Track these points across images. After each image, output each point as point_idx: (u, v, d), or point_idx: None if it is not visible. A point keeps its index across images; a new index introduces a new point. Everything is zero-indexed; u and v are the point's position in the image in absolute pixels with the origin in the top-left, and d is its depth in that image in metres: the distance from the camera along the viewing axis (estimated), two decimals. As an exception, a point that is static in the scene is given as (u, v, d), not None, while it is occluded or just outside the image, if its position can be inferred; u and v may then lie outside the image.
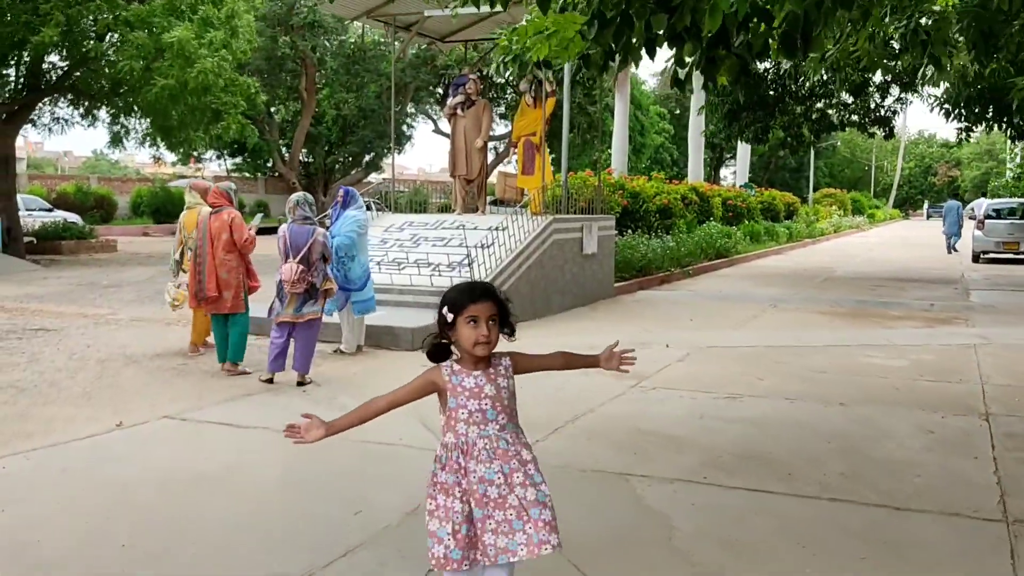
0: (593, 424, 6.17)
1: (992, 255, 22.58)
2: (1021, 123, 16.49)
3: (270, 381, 7.39)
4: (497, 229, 11.89)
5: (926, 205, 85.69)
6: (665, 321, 11.48)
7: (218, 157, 42.19)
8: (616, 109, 23.81)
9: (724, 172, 60.69)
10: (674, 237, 18.92)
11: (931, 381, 7.62)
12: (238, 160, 41.96)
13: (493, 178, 17.53)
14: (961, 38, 7.79)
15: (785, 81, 18.81)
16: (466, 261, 10.78)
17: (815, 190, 52.94)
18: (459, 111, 13.63)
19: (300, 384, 7.36)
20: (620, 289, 14.66)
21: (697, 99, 25.54)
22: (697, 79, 5.85)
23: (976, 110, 15.77)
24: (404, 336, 9.24)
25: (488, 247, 11.19)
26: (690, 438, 5.82)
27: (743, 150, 32.42)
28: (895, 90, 19.89)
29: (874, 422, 6.21)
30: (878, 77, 19.04)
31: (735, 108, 18.37)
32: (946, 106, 16.35)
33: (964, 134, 17.28)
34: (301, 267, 7.29)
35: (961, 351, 9.14)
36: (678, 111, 55.21)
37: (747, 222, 27.24)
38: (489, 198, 14.69)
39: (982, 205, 23.74)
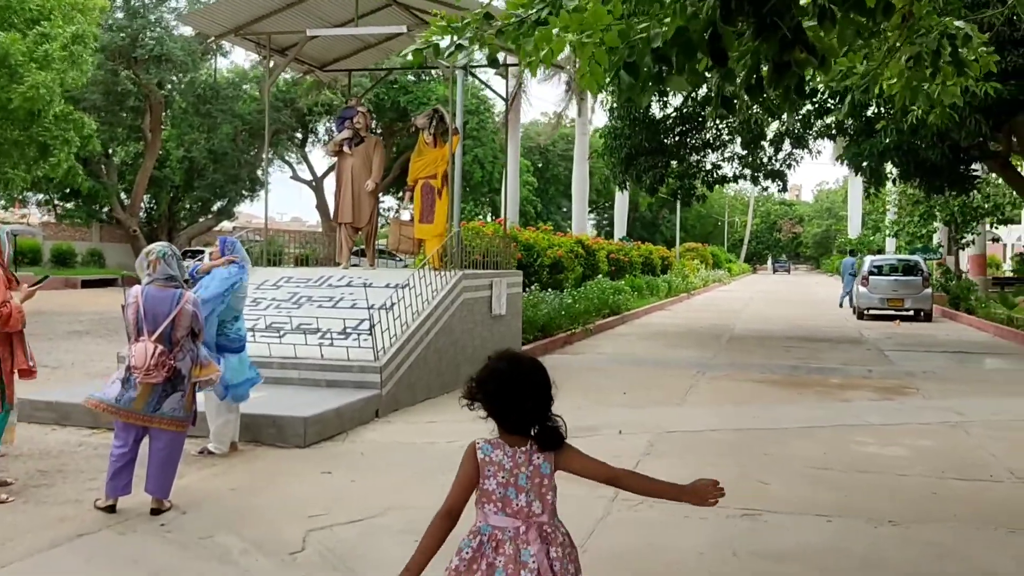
0: None
1: (876, 311, 22.41)
2: (934, 180, 16.15)
3: (110, 509, 5.16)
4: (397, 286, 9.97)
5: (771, 260, 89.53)
6: (595, 395, 9.83)
7: (46, 202, 37.95)
8: (508, 153, 22.35)
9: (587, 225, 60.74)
10: (570, 293, 17.49)
11: (961, 479, 6.25)
12: (70, 205, 37.83)
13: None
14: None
15: (684, 128, 17.94)
16: (365, 326, 8.79)
17: (672, 244, 53.50)
18: (346, 148, 11.68)
19: (155, 512, 5.17)
20: (527, 352, 12.95)
21: (581, 146, 24.65)
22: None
23: (888, 166, 15.20)
24: (294, 429, 7.12)
25: (389, 308, 9.20)
26: (745, 596, 4.10)
27: (621, 202, 31.75)
28: (787, 145, 19.44)
29: (957, 554, 4.69)
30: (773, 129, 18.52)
31: (633, 152, 17.25)
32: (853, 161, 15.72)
33: (872, 188, 16.80)
34: (160, 348, 5.14)
35: (953, 433, 7.91)
36: (540, 164, 54.83)
37: (629, 276, 26.34)
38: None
39: (866, 261, 23.68)
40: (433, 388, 9.45)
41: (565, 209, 50.75)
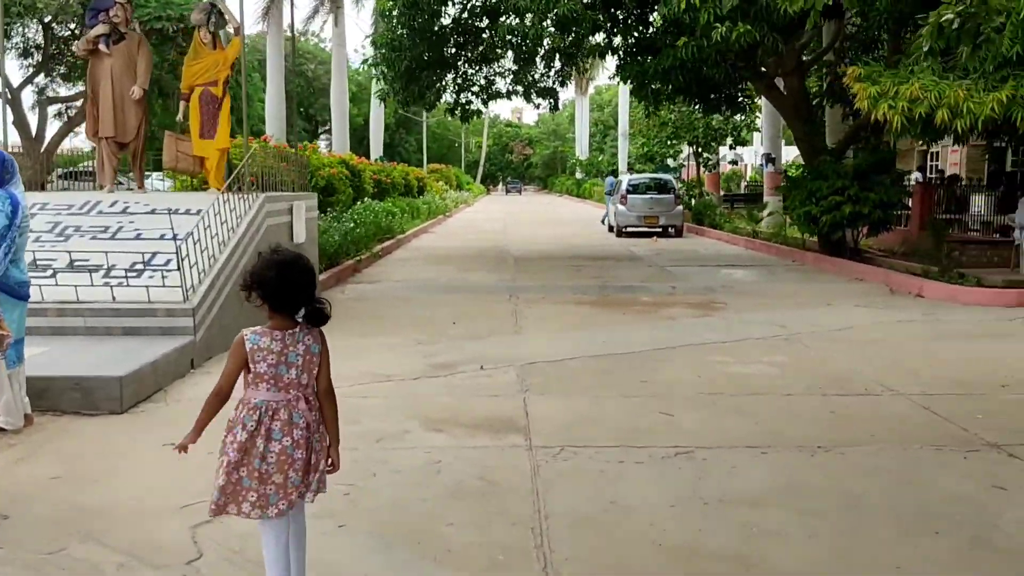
0: (577, 549, 3.71)
1: (634, 228, 23.27)
2: (712, 99, 16.60)
3: None
4: (188, 212, 8.47)
5: (504, 181, 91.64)
6: (428, 328, 9.05)
7: None
8: (269, 62, 19.99)
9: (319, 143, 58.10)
10: (350, 217, 16.31)
11: (843, 395, 6.27)
12: None
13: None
14: None
15: (462, 40, 17.11)
16: (160, 260, 7.31)
17: (411, 164, 52.53)
18: (102, 46, 9.70)
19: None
20: (323, 283, 11.80)
21: (339, 57, 22.88)
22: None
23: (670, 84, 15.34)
24: (107, 391, 5.72)
25: (182, 239, 7.70)
26: (752, 555, 3.64)
27: (377, 119, 30.22)
28: (558, 62, 19.25)
29: (918, 479, 4.56)
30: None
31: (414, 66, 16.17)
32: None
33: (652, 107, 17.02)
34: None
35: (795, 348, 8.06)
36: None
37: (390, 198, 25.33)
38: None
39: (623, 181, 24.42)
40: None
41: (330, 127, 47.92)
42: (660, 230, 23.14)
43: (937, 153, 26.52)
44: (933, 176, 24.65)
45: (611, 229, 24.78)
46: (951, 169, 24.48)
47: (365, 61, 19.02)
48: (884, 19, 12.84)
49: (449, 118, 71.17)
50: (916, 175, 23.69)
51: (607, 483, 4.49)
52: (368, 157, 27.54)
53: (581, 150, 66.90)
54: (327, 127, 56.10)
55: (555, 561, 3.59)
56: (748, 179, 47.64)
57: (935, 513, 4.06)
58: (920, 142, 22.40)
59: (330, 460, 3.11)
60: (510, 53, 18.48)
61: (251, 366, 2.92)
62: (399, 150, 65.65)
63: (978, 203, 19.42)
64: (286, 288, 2.92)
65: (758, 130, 28.38)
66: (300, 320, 2.98)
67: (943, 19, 6.27)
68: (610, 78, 23.77)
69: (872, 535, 3.82)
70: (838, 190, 14.38)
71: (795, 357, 7.61)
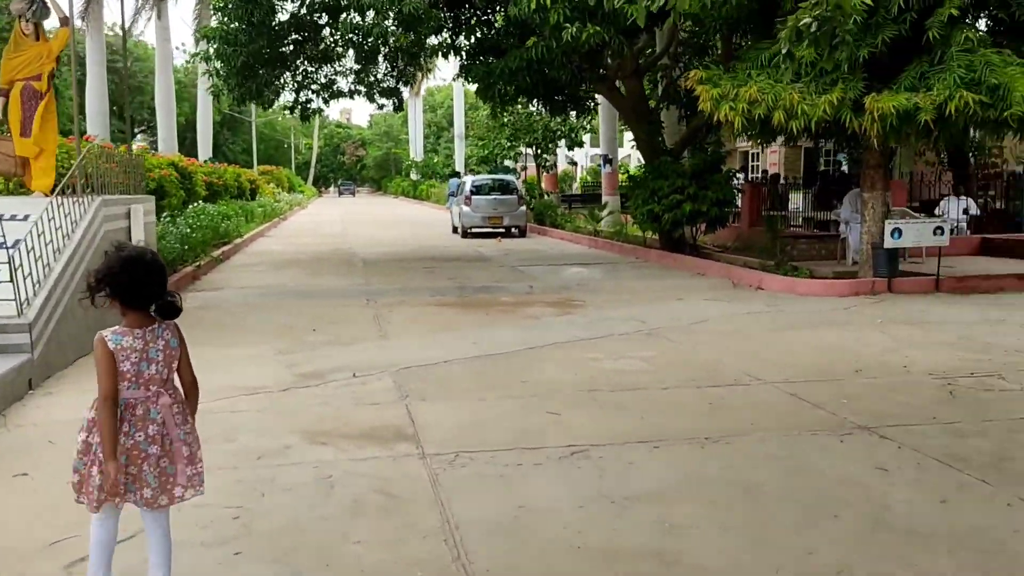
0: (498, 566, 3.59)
1: (479, 229, 23.32)
2: (561, 99, 16.79)
3: None
4: (15, 218, 7.69)
5: (338, 183, 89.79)
6: (287, 337, 8.64)
7: None
8: (89, 56, 18.45)
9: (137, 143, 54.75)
10: (185, 221, 15.40)
11: (716, 386, 6.45)
12: None
13: None
14: None
15: (301, 36, 16.54)
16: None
17: (236, 165, 50.28)
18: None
19: None
20: (164, 293, 11.05)
21: (163, 52, 21.58)
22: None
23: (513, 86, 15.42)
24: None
25: (13, 248, 6.96)
26: (670, 550, 3.64)
27: (204, 116, 28.71)
28: (401, 62, 18.99)
29: (806, 466, 4.72)
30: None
31: (251, 61, 15.45)
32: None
33: (499, 108, 17.05)
34: None
35: (660, 342, 8.25)
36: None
37: (223, 201, 24.19)
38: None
39: (467, 182, 24.41)
40: (85, 343, 7.49)
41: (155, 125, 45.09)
42: (504, 230, 23.31)
43: (757, 154, 28.18)
44: (754, 176, 26.19)
45: (455, 230, 24.75)
46: (771, 169, 26.07)
47: (196, 55, 17.98)
48: (719, 25, 13.44)
49: (281, 117, 68.87)
50: (739, 175, 25.10)
51: (511, 487, 4.38)
52: (196, 158, 26.17)
53: (415, 152, 66.51)
54: (143, 127, 53.08)
55: (477, 573, 3.45)
56: (580, 179, 48.98)
57: (830, 497, 4.21)
58: (744, 143, 23.74)
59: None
60: (351, 51, 18.07)
61: (116, 365, 2.93)
62: (224, 151, 62.93)
63: (796, 200, 20.78)
64: (137, 283, 2.92)
65: (594, 132, 29.17)
66: (154, 315, 3.01)
67: (801, 23, 6.58)
68: (454, 78, 23.72)
69: (778, 522, 3.91)
70: (678, 189, 14.94)
71: (662, 351, 7.78)
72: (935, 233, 11.26)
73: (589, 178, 43.60)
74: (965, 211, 15.34)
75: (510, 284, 12.80)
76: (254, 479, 4.49)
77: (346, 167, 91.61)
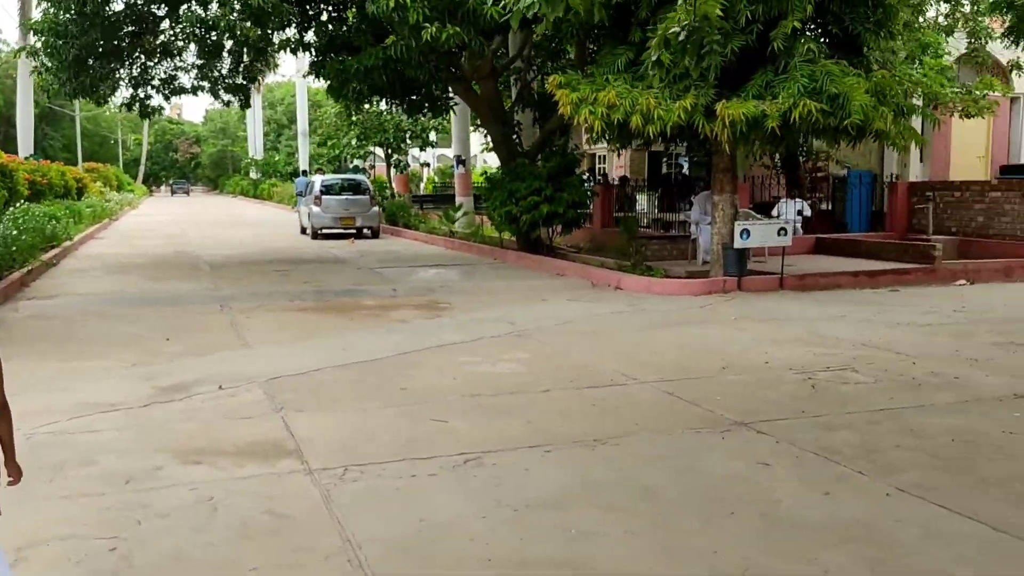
0: None
1: (329, 230, 22.75)
2: (415, 100, 16.56)
3: None
4: None
5: (171, 182, 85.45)
6: (137, 347, 8.09)
7: None
8: None
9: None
10: (11, 222, 14.16)
11: (595, 387, 6.52)
12: None
13: None
14: None
15: (138, 29, 15.59)
16: None
17: (56, 162, 46.81)
18: None
19: None
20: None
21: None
22: None
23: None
24: None
25: None
26: (581, 558, 3.61)
27: (24, 110, 26.52)
28: (247, 57, 18.27)
29: (694, 465, 4.82)
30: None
31: (83, 55, 14.39)
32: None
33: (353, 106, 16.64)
34: None
35: (533, 344, 8.27)
36: None
37: (47, 200, 22.47)
38: None
39: (316, 182, 23.73)
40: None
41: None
42: (356, 231, 22.86)
43: (604, 156, 28.94)
44: (599, 177, 26.86)
45: (304, 231, 24.06)
46: (617, 172, 26.83)
47: (22, 49, 16.65)
48: (574, 31, 13.67)
49: (107, 112, 64.75)
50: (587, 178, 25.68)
51: (408, 501, 4.24)
52: (16, 155, 24.15)
53: (255, 150, 64.19)
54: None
55: (388, 595, 3.30)
56: (428, 180, 48.75)
57: (722, 495, 4.32)
58: (592, 146, 24.33)
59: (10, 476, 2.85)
60: (193, 46, 17.22)
61: None
62: (43, 146, 58.57)
63: (642, 202, 21.50)
64: None
65: (445, 132, 29.09)
66: None
67: (669, 32, 6.76)
68: (304, 75, 23.00)
69: (679, 524, 3.97)
70: (536, 191, 15.10)
71: (535, 353, 7.81)
72: (779, 234, 11.89)
73: (436, 179, 43.37)
74: (799, 212, 16.29)
75: (371, 287, 12.53)
76: (126, 505, 4.14)
77: (179, 165, 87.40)
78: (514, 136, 17.11)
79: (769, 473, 4.61)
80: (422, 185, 44.89)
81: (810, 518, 4.00)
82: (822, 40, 11.31)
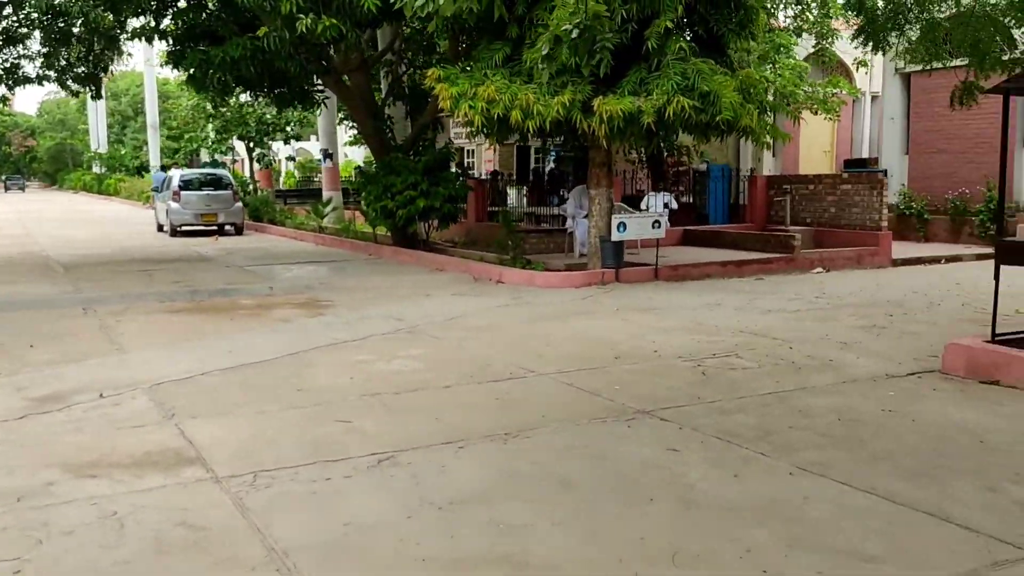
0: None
1: (190, 227, 21.80)
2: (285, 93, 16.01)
3: None
4: None
5: (4, 177, 79.67)
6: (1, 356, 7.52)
7: None
8: None
9: None
10: None
11: (496, 381, 6.55)
12: None
13: None
14: None
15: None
16: None
17: None
18: None
19: None
20: None
21: None
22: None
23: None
24: None
25: None
26: (515, 552, 3.63)
27: None
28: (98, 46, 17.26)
29: (607, 454, 4.92)
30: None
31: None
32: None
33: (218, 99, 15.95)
34: None
35: (422, 340, 8.22)
36: None
37: None
38: None
39: (175, 177, 22.65)
40: None
41: None
42: (219, 228, 22.01)
43: (473, 151, 29.05)
44: (470, 171, 26.96)
45: (161, 228, 22.98)
46: (486, 166, 26.99)
47: None
48: (448, 25, 13.62)
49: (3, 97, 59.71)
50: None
51: (328, 504, 4.13)
52: None
53: (98, 143, 60.58)
54: None
55: (326, 603, 3.21)
56: (286, 174, 47.42)
57: (639, 481, 4.43)
58: (462, 140, 24.36)
59: None
60: (38, 33, 16.12)
61: None
62: None
63: (513, 196, 21.73)
64: None
65: (310, 125, 28.40)
66: None
67: (561, 29, 6.83)
68: (161, 64, 21.91)
69: (603, 512, 4.04)
70: (412, 185, 14.99)
71: (430, 349, 7.76)
72: (653, 227, 12.29)
73: (297, 174, 42.22)
74: (666, 205, 16.86)
75: (246, 285, 12.11)
76: (23, 524, 3.86)
77: (13, 159, 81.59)
78: (386, 130, 16.91)
79: (679, 458, 4.77)
80: (281, 179, 43.71)
81: (725, 499, 4.17)
82: (690, 40, 11.73)
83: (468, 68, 12.24)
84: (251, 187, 25.91)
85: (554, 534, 3.80)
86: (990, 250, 15.33)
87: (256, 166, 29.17)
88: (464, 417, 5.59)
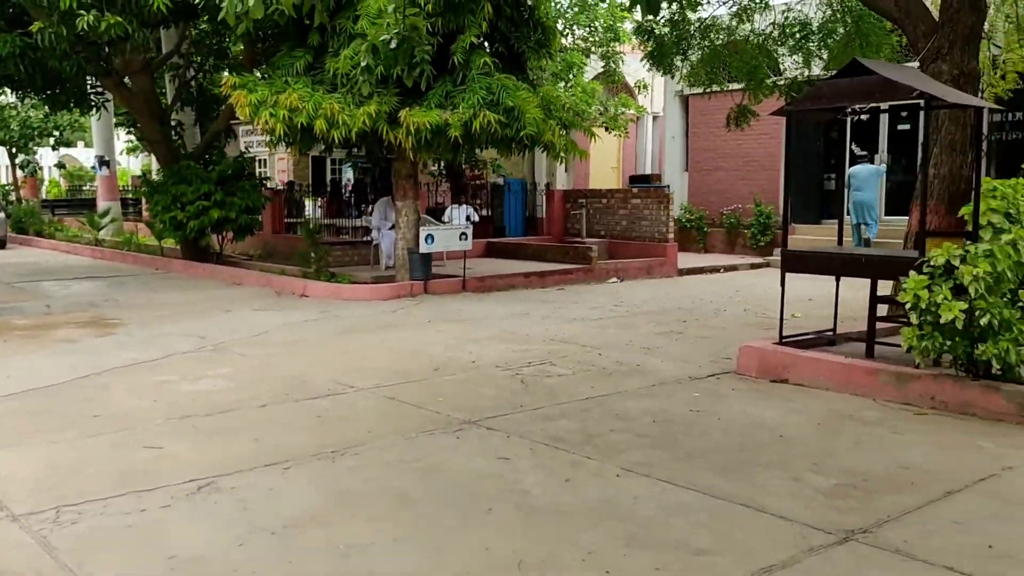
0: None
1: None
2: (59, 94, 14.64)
3: None
4: None
5: None
6: None
7: None
8: None
9: None
10: None
11: (315, 398, 6.34)
12: None
13: None
14: None
15: None
16: None
17: None
18: None
19: None
20: None
21: None
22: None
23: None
24: None
25: None
26: (361, 573, 3.52)
27: None
28: None
29: (442, 467, 4.88)
30: None
31: None
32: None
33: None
34: None
35: (233, 358, 7.82)
36: None
37: None
38: None
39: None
40: None
41: None
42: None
43: (266, 160, 28.01)
44: (267, 181, 25.97)
45: None
46: (280, 176, 26.11)
47: None
48: (248, 29, 13.11)
49: None
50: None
51: (147, 538, 3.82)
52: None
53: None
54: None
55: (161, 644, 2.96)
56: (49, 182, 43.56)
57: (475, 492, 4.43)
58: (259, 149, 23.46)
59: None
60: None
61: None
62: None
63: (310, 208, 21.19)
64: None
65: (84, 130, 26.28)
66: None
67: (380, 39, 6.75)
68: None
69: (444, 525, 4.01)
70: (205, 195, 14.27)
71: (238, 367, 7.39)
72: (460, 238, 12.40)
73: (63, 182, 38.88)
74: (468, 218, 17.08)
75: (18, 304, 11.03)
76: None
77: None
78: (175, 136, 16.00)
79: (511, 466, 4.82)
80: (44, 189, 40.15)
81: (561, 504, 4.26)
82: (493, 57, 11.98)
83: (268, 75, 11.85)
84: (13, 196, 23.59)
85: (398, 551, 3.72)
86: (761, 259, 16.89)
87: (20, 173, 26.61)
88: (286, 437, 5.37)
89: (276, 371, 7.25)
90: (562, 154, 12.39)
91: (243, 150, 18.56)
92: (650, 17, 11.28)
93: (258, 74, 12.16)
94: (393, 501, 4.30)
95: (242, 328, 9.27)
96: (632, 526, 3.98)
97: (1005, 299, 5.77)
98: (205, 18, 14.72)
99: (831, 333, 7.46)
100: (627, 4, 5.42)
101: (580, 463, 4.88)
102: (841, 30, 11.62)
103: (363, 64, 9.03)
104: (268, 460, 4.89)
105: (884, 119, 16.58)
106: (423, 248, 11.88)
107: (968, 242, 6.13)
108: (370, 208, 15.56)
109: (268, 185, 16.90)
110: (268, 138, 11.64)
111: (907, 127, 16.62)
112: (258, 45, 14.21)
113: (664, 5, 9.84)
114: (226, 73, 15.81)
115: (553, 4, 16.72)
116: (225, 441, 5.28)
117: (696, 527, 3.96)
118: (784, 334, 7.22)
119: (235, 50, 16.43)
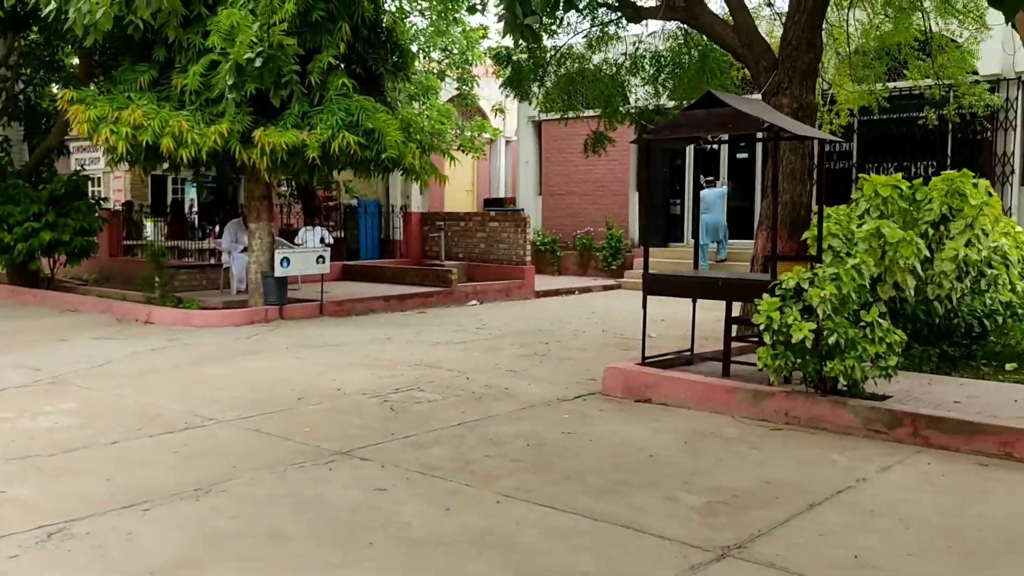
0: None
1: None
2: None
3: None
4: None
5: None
6: None
7: None
8: None
9: None
10: None
11: (165, 434, 5.98)
12: None
13: None
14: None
15: None
16: None
17: None
18: None
19: None
20: None
21: None
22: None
23: None
24: None
25: None
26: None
27: None
28: None
29: (299, 498, 4.69)
30: None
31: None
32: None
33: None
34: None
35: (77, 390, 7.28)
36: None
37: None
38: None
39: None
40: None
41: None
42: None
43: (100, 178, 26.46)
44: (103, 201, 24.50)
45: None
46: (116, 195, 24.72)
47: None
48: (78, 42, 12.37)
49: None
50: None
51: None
52: None
53: None
54: None
55: None
56: None
57: (353, 526, 4.28)
58: (95, 167, 22.14)
59: None
60: None
61: None
62: None
63: (150, 229, 20.15)
64: None
65: None
66: None
67: (244, 57, 6.49)
68: None
69: (326, 563, 3.85)
70: (34, 216, 13.34)
71: (82, 402, 6.89)
72: (318, 261, 12.10)
73: None
74: (322, 240, 16.71)
75: None
76: None
77: None
78: (1, 153, 14.87)
79: (388, 497, 4.70)
80: None
81: (442, 534, 4.18)
82: (351, 78, 11.82)
83: (107, 90, 11.21)
84: None
85: (277, 594, 3.54)
86: (614, 281, 17.40)
87: None
88: (142, 476, 5.03)
89: (125, 404, 6.80)
90: (422, 177, 12.33)
91: (77, 168, 17.44)
92: (510, 44, 11.45)
93: (95, 88, 11.45)
94: (267, 539, 4.10)
95: (80, 359, 8.67)
96: (515, 554, 3.95)
97: (850, 319, 6.16)
98: (36, 28, 13.83)
99: (689, 353, 7.74)
100: (501, 33, 5.44)
101: (459, 491, 4.82)
102: (686, 59, 12.17)
103: (229, 83, 8.66)
104: (125, 502, 4.56)
105: (724, 148, 17.48)
106: (279, 272, 11.51)
107: (817, 265, 6.52)
108: (219, 230, 14.95)
109: (104, 205, 15.89)
110: (108, 156, 10.99)
111: (745, 155, 17.59)
112: (95, 57, 13.45)
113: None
114: (56, 87, 14.88)
115: (409, 26, 16.70)
116: (75, 483, 4.89)
117: (579, 551, 3.98)
118: (647, 355, 7.42)
119: (68, 63, 15.48)
